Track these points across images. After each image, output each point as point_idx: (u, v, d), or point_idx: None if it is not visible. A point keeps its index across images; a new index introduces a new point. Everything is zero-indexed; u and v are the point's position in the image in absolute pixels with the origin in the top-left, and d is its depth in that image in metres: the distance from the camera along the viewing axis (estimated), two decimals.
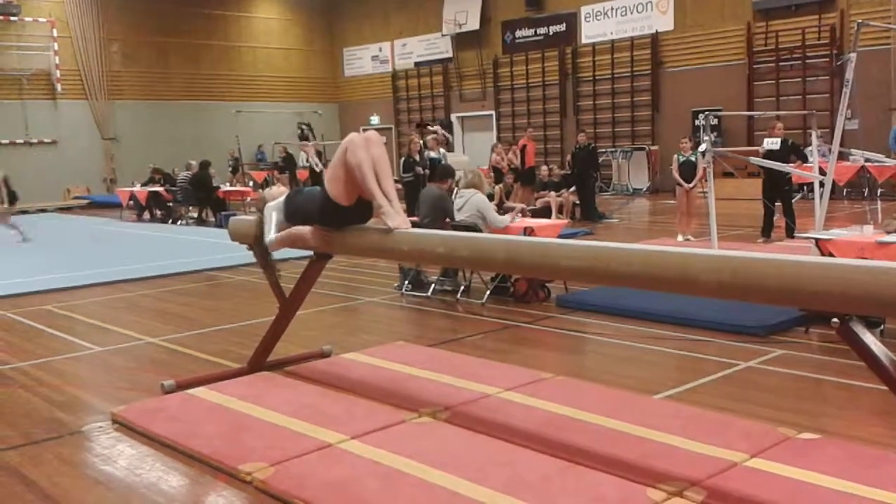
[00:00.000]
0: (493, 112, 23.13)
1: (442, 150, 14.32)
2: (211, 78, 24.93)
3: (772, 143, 10.31)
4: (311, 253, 4.86)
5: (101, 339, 6.45)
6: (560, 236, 7.51)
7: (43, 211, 20.60)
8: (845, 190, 15.08)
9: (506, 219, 7.72)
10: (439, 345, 5.83)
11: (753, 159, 9.78)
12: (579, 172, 14.12)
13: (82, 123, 22.79)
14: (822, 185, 7.75)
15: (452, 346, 5.83)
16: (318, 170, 18.75)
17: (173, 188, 16.68)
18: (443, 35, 23.65)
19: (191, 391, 4.73)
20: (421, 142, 13.39)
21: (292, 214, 4.58)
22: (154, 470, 3.72)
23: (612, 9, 20.20)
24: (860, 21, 6.76)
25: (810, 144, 9.28)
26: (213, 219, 15.63)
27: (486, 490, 3.21)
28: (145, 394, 4.84)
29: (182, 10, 23.93)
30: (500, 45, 22.60)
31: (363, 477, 3.42)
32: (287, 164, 20.25)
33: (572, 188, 13.88)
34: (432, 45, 24.30)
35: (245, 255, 5.20)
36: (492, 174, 14.33)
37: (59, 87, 22.23)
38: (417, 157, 12.68)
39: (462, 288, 7.62)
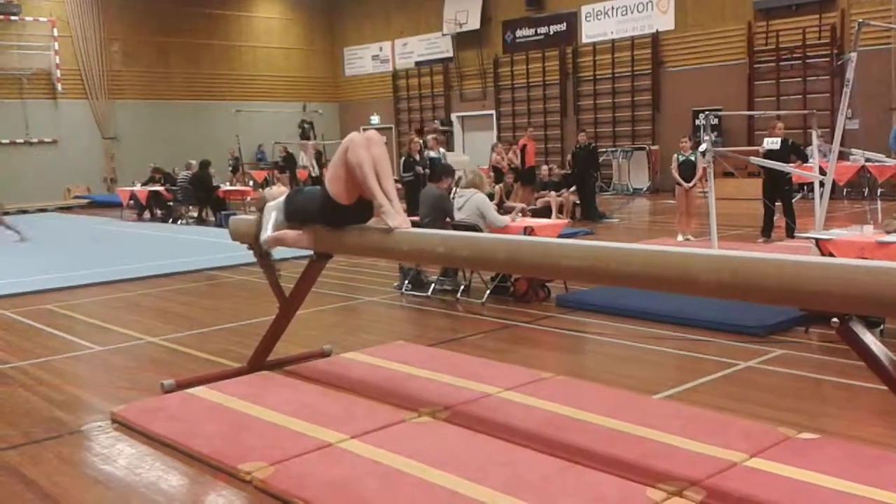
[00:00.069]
0: (493, 112, 23.12)
1: (441, 149, 14.31)
2: (211, 77, 24.92)
3: (772, 143, 10.31)
4: (311, 253, 4.85)
5: (101, 338, 6.45)
6: (560, 236, 7.50)
7: (43, 210, 20.61)
8: (845, 190, 15.06)
9: (506, 218, 7.73)
10: (439, 344, 5.83)
11: (754, 159, 9.77)
12: (579, 172, 14.11)
13: (83, 123, 22.77)
14: (822, 184, 7.75)
15: (452, 345, 5.83)
16: (313, 174, 18.76)
17: (173, 188, 16.68)
18: (443, 34, 23.64)
19: (191, 390, 4.73)
20: (421, 141, 13.40)
21: (292, 214, 4.59)
22: (154, 469, 3.72)
23: (612, 8, 20.19)
24: (861, 21, 6.75)
25: (811, 144, 9.28)
26: (213, 218, 15.63)
27: (486, 490, 3.21)
28: (145, 393, 4.84)
29: (182, 9, 23.92)
30: (500, 45, 22.59)
31: (363, 476, 3.42)
32: (287, 163, 20.29)
33: (572, 188, 13.87)
34: (433, 45, 24.29)
35: (245, 254, 5.20)
36: (492, 174, 14.31)
37: (59, 86, 22.20)
38: (417, 157, 12.69)
39: (462, 287, 7.62)
